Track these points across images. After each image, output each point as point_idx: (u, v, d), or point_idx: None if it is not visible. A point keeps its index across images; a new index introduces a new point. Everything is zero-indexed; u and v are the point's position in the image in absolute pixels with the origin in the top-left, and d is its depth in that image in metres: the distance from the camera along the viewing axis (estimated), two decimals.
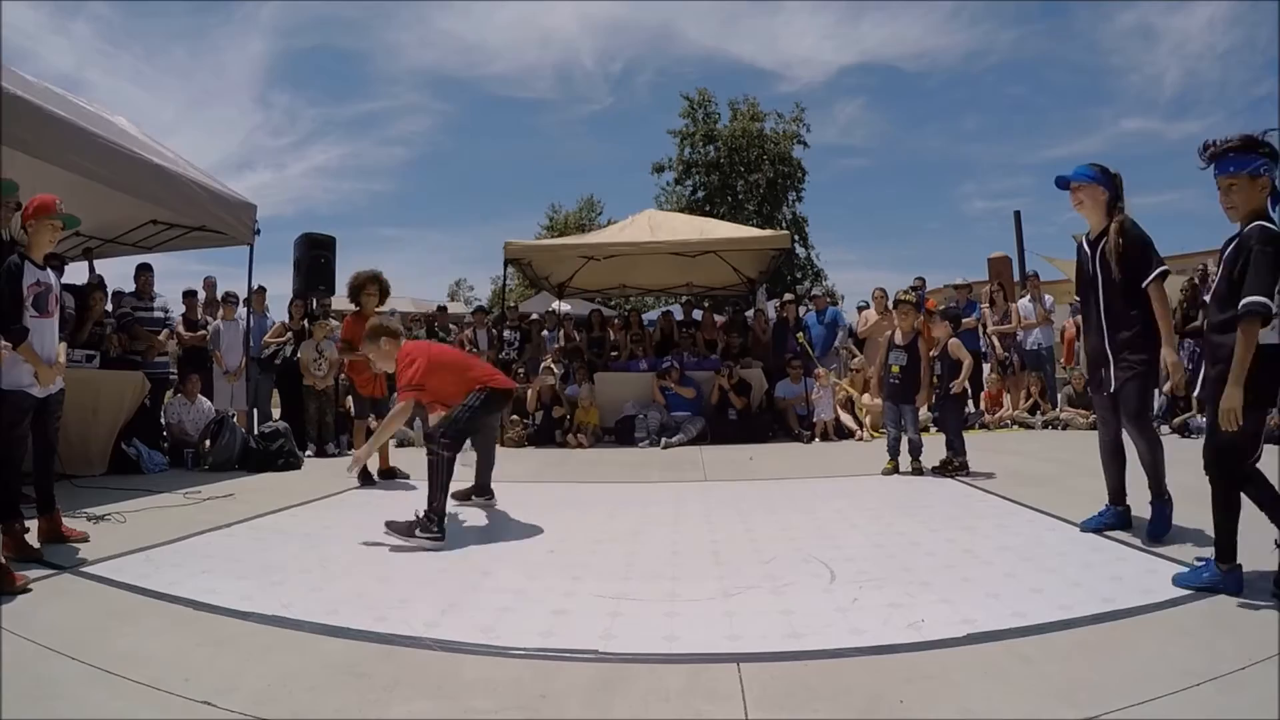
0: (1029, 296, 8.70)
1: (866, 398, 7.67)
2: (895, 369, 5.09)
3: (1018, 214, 16.56)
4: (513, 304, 10.82)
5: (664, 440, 7.27)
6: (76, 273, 6.79)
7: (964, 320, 7.88)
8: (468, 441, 3.71)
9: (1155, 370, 2.93)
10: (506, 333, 9.40)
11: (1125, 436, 3.11)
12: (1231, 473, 2.29)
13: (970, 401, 8.48)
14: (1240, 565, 2.27)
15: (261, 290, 7.89)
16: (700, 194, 24.12)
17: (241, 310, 7.35)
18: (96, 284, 6.50)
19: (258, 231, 6.62)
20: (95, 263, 6.98)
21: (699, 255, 9.49)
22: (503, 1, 50.64)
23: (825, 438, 7.44)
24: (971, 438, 6.65)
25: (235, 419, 6.47)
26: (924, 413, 5.51)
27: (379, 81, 59.19)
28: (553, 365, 8.46)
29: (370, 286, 5.17)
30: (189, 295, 7.55)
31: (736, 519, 3.69)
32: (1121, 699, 1.59)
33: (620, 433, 7.74)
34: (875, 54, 44.16)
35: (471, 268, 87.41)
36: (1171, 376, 2.80)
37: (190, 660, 1.93)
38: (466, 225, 71.44)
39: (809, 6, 44.19)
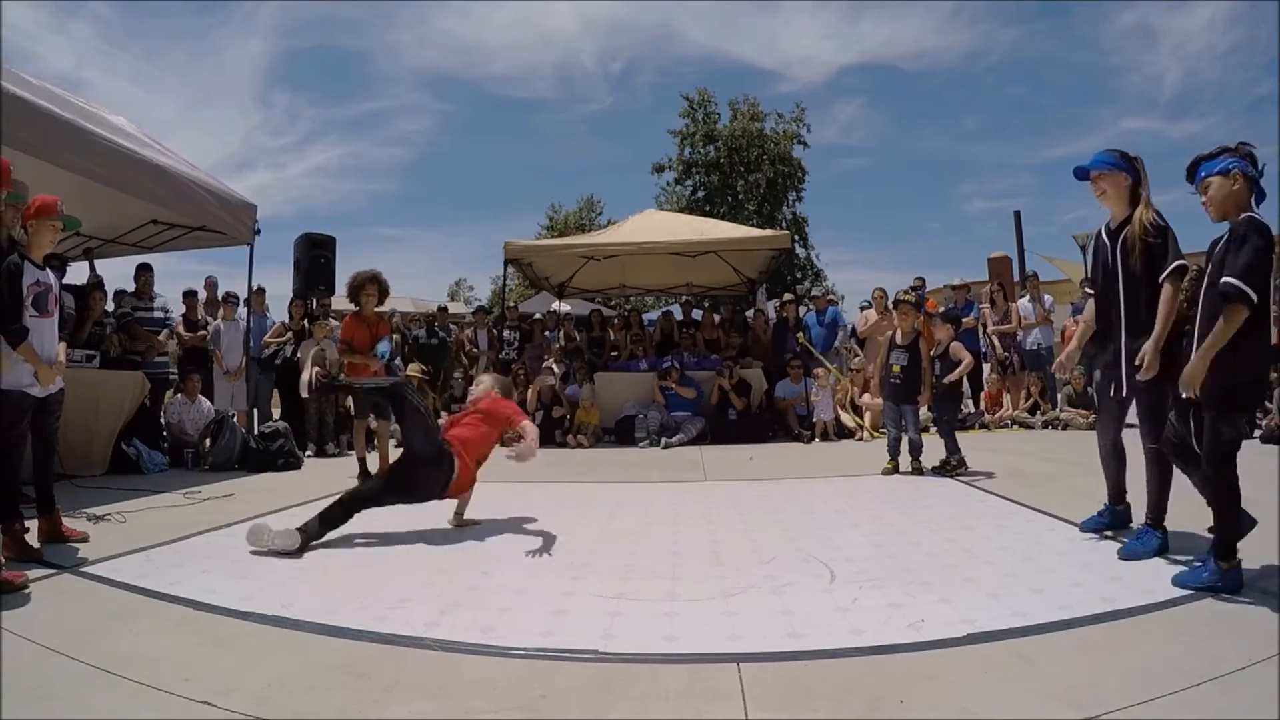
0: (1029, 296, 8.70)
1: (867, 397, 7.67)
2: (896, 369, 5.09)
3: (1018, 214, 16.64)
4: (513, 304, 10.83)
5: (664, 440, 7.27)
6: (77, 273, 6.80)
7: (963, 320, 7.89)
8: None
9: (1173, 376, 2.82)
10: (506, 333, 9.40)
11: (1124, 437, 3.08)
12: (1231, 465, 2.30)
13: (970, 401, 8.50)
14: (1240, 561, 2.27)
15: (261, 290, 7.89)
16: (700, 194, 24.14)
17: (241, 310, 7.35)
18: (96, 284, 6.50)
19: (258, 231, 6.62)
20: (95, 263, 6.97)
21: (699, 255, 9.49)
22: (503, 1, 50.72)
23: (825, 438, 7.45)
24: (971, 438, 6.68)
25: (235, 419, 6.47)
26: (924, 412, 5.51)
27: (379, 81, 59.34)
28: (554, 365, 8.47)
29: (369, 287, 5.17)
30: (189, 295, 7.55)
31: (736, 519, 3.69)
32: (1121, 699, 1.59)
33: (620, 433, 7.74)
34: (875, 54, 44.24)
35: (471, 268, 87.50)
36: (1143, 370, 2.70)
37: (190, 660, 1.93)
38: (466, 225, 71.57)
39: (809, 6, 44.24)
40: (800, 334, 8.19)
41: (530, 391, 7.86)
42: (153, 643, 2.07)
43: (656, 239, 8.52)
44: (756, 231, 10.12)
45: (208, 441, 6.01)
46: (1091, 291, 3.08)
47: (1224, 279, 2.23)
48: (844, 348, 8.99)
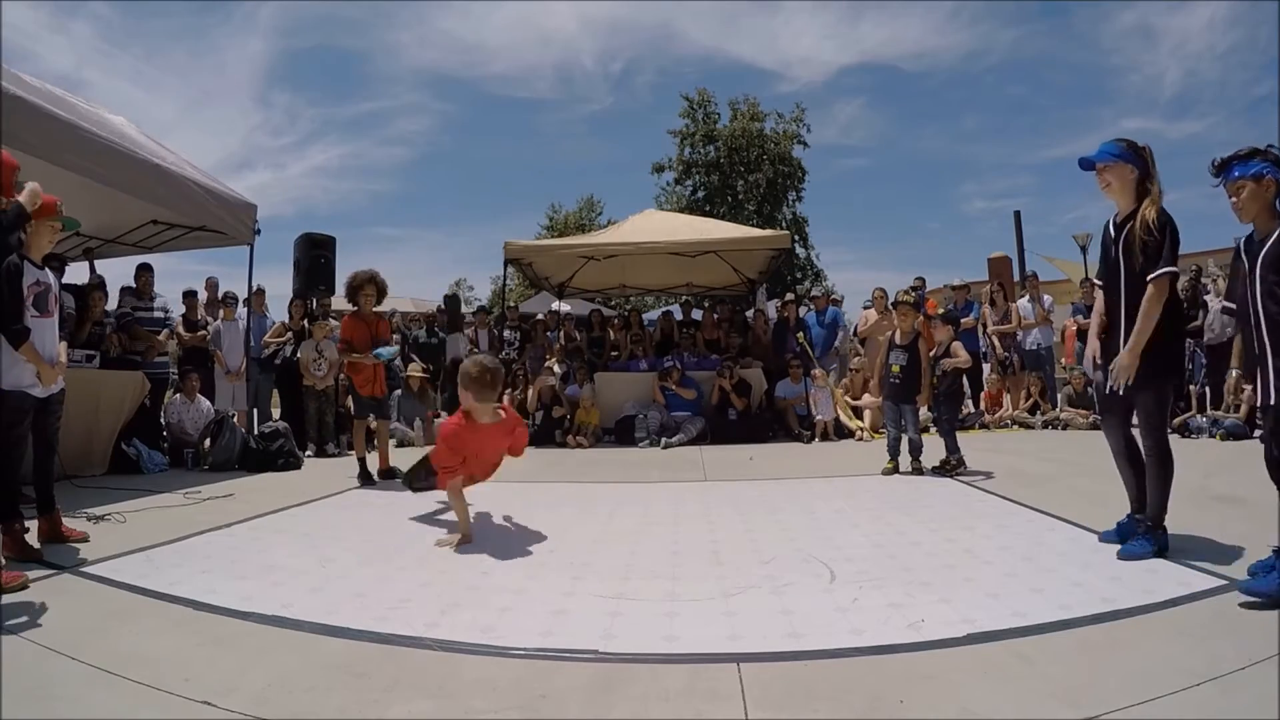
0: (1029, 296, 8.71)
1: (866, 397, 7.67)
2: (895, 369, 5.09)
3: (1018, 214, 16.63)
4: (513, 304, 10.82)
5: (664, 440, 7.27)
6: (77, 273, 6.82)
7: (963, 320, 7.90)
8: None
9: (1176, 376, 2.80)
10: (506, 333, 9.41)
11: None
12: None
13: (970, 401, 8.50)
14: None
15: (261, 290, 7.90)
16: (700, 194, 24.16)
17: (241, 310, 7.36)
18: (97, 284, 6.51)
19: (258, 231, 6.63)
20: (95, 263, 6.98)
21: (699, 255, 9.50)
22: (503, 1, 50.73)
23: (825, 438, 7.45)
24: (971, 438, 6.68)
25: (235, 419, 6.47)
26: (924, 412, 5.52)
27: (379, 81, 59.21)
28: (554, 365, 8.47)
29: (368, 287, 5.18)
30: (189, 295, 7.55)
31: (736, 519, 3.69)
32: (1121, 699, 1.59)
33: (620, 433, 7.74)
34: (875, 54, 44.26)
35: (471, 268, 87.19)
36: (1115, 376, 2.67)
37: (190, 660, 1.93)
38: (466, 225, 71.30)
39: (809, 6, 44.28)
40: (800, 334, 8.19)
41: (530, 391, 7.86)
42: (153, 643, 2.07)
43: (656, 239, 8.52)
44: (756, 231, 10.12)
45: (208, 441, 6.01)
46: (1100, 283, 2.98)
47: None
48: (848, 350, 9.00)
